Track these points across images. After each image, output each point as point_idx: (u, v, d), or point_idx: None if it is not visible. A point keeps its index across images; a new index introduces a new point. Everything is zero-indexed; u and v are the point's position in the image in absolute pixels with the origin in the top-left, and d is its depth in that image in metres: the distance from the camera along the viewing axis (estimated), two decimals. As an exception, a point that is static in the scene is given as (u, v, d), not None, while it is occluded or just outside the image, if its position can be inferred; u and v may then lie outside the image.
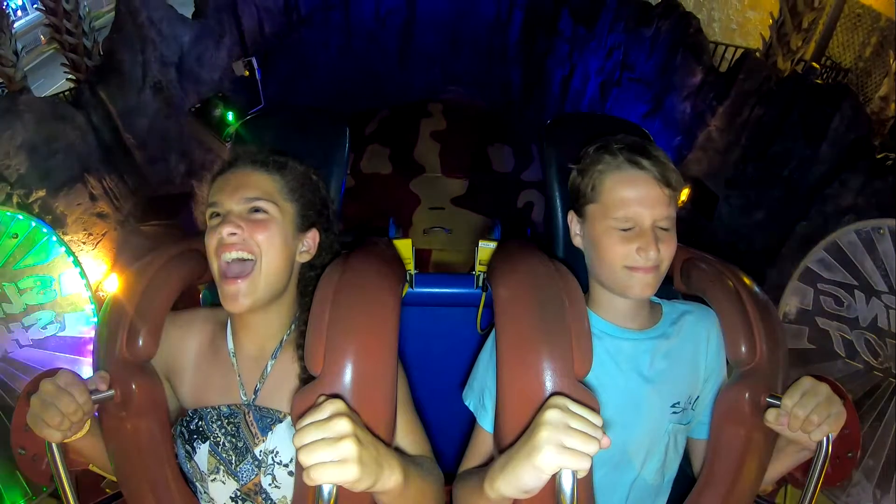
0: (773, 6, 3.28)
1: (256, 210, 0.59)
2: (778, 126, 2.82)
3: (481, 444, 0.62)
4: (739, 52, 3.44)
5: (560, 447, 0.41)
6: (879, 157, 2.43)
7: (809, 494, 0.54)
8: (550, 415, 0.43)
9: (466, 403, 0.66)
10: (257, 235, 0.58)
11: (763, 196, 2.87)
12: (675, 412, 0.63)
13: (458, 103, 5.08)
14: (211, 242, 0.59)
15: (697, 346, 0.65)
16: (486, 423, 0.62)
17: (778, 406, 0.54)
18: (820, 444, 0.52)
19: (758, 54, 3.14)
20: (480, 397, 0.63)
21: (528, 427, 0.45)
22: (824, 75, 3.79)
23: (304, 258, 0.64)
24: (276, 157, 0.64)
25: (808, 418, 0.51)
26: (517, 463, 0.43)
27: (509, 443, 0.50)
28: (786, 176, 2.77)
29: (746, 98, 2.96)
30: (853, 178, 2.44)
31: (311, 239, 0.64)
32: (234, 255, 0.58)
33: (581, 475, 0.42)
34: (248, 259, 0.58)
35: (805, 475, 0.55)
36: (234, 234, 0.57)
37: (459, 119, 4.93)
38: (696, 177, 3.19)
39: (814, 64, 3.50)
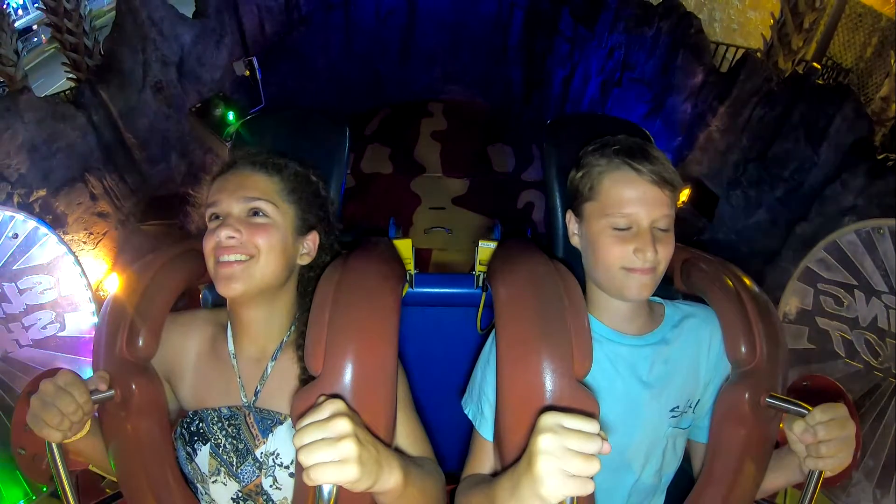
0: (774, 6, 3.28)
1: (256, 212, 0.59)
2: (779, 127, 2.81)
3: (481, 453, 0.62)
4: (740, 52, 3.43)
5: (563, 475, 0.39)
6: (880, 157, 2.43)
7: (809, 494, 0.54)
8: (545, 442, 0.40)
9: (466, 412, 0.65)
10: (257, 239, 0.58)
11: (764, 196, 2.87)
12: (673, 416, 0.63)
13: (458, 103, 5.08)
14: (208, 244, 0.58)
15: (699, 351, 0.64)
16: (485, 431, 0.61)
17: (790, 410, 0.54)
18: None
19: (759, 54, 3.14)
20: (479, 405, 0.63)
21: (529, 431, 0.44)
22: (825, 75, 3.79)
23: (305, 261, 0.64)
24: (276, 159, 0.63)
25: (823, 443, 0.51)
26: (522, 494, 0.42)
27: (510, 445, 0.50)
28: (786, 177, 2.76)
29: (747, 98, 2.96)
30: (854, 178, 2.44)
31: (312, 241, 0.64)
32: (231, 257, 0.58)
33: (585, 494, 0.40)
34: (246, 260, 0.58)
35: (805, 475, 0.55)
36: (233, 237, 0.57)
37: (460, 119, 4.92)
38: (697, 177, 3.18)
39: (815, 64, 3.49)
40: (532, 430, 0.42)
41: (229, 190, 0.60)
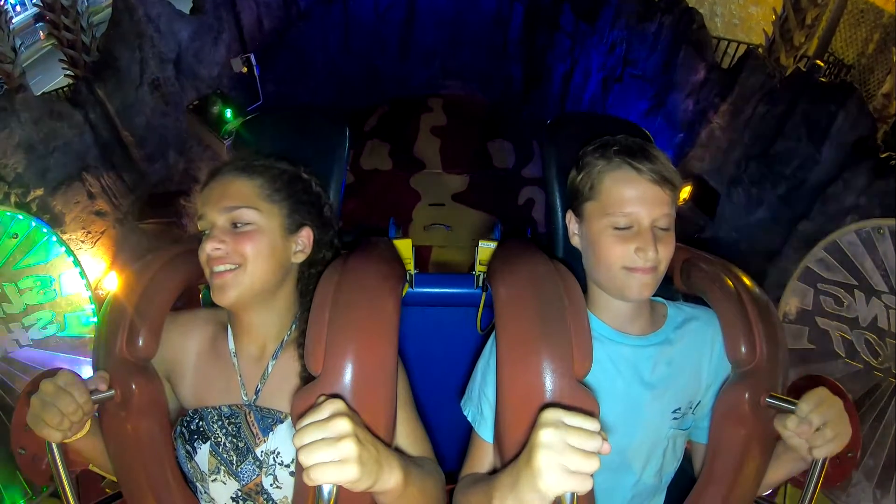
0: (776, 1, 3.26)
1: (240, 221, 0.59)
2: (781, 124, 2.80)
3: (480, 453, 0.62)
4: (742, 47, 3.41)
5: (562, 470, 0.39)
6: (883, 156, 2.41)
7: (809, 494, 0.55)
8: (546, 436, 0.40)
9: (465, 413, 0.65)
10: (242, 247, 0.58)
11: (765, 194, 2.86)
12: (675, 417, 0.63)
13: (458, 99, 5.05)
14: (201, 257, 0.60)
15: (701, 353, 0.64)
16: (484, 432, 0.61)
17: (783, 408, 0.54)
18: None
19: (760, 50, 3.12)
20: (479, 406, 0.63)
21: (529, 430, 0.44)
22: (827, 72, 3.77)
23: (300, 258, 0.64)
24: (258, 161, 0.63)
25: (821, 430, 0.51)
26: (521, 490, 0.42)
27: (509, 444, 0.50)
28: (788, 174, 2.76)
29: (749, 95, 2.94)
30: (856, 177, 2.43)
31: (305, 237, 0.64)
32: (222, 267, 0.58)
33: (584, 491, 0.41)
34: (235, 269, 0.59)
35: (805, 475, 0.55)
36: (219, 248, 0.58)
37: (460, 115, 4.90)
38: (698, 174, 3.17)
39: (818, 62, 3.48)
40: (532, 430, 0.42)
41: (212, 201, 0.60)
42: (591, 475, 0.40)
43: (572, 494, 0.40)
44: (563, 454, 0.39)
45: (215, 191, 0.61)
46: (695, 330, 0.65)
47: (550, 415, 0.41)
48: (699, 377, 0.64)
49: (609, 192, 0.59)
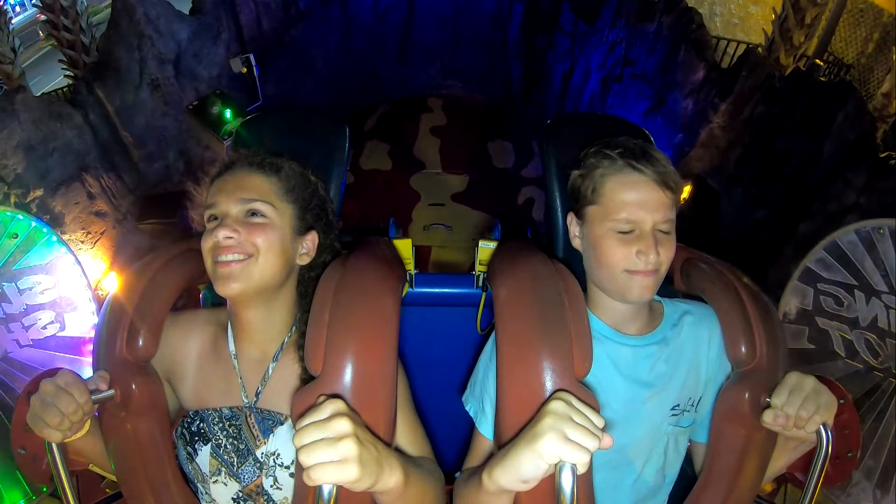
0: (775, 1, 3.26)
1: (254, 213, 0.59)
2: (781, 124, 2.80)
3: (481, 448, 0.62)
4: (741, 47, 3.41)
5: (563, 437, 0.42)
6: (883, 156, 2.42)
7: (809, 494, 0.55)
8: (556, 405, 0.44)
9: (467, 409, 0.65)
10: (255, 238, 0.58)
11: (765, 194, 2.86)
12: (673, 414, 0.63)
13: (458, 99, 5.05)
14: (206, 244, 0.58)
15: (698, 348, 0.64)
16: (485, 428, 0.62)
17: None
18: (820, 439, 0.51)
19: (760, 50, 3.12)
20: (480, 402, 0.63)
21: (529, 424, 0.45)
22: (826, 71, 3.77)
23: (304, 260, 0.64)
24: (273, 159, 0.63)
25: (799, 415, 0.51)
26: (518, 450, 0.44)
27: (508, 441, 0.50)
28: (788, 174, 2.76)
29: (749, 95, 2.94)
30: (856, 176, 2.43)
31: (311, 241, 0.64)
32: (230, 256, 0.58)
33: (580, 471, 0.42)
34: (244, 259, 0.58)
35: (805, 475, 0.55)
36: (231, 237, 0.57)
37: (460, 115, 4.90)
38: (698, 174, 3.18)
39: (817, 61, 3.48)
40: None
41: (227, 191, 0.60)
42: (590, 452, 0.41)
43: (573, 476, 0.41)
44: (567, 423, 0.42)
45: (230, 182, 0.60)
46: (691, 325, 0.65)
47: (564, 394, 0.45)
48: (698, 373, 0.64)
49: (611, 195, 0.59)
